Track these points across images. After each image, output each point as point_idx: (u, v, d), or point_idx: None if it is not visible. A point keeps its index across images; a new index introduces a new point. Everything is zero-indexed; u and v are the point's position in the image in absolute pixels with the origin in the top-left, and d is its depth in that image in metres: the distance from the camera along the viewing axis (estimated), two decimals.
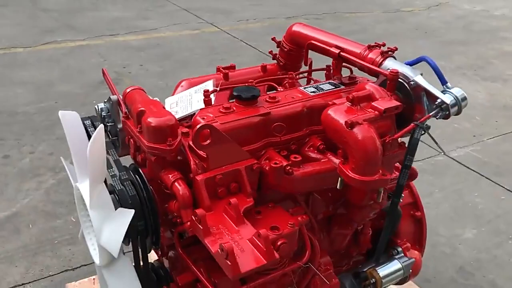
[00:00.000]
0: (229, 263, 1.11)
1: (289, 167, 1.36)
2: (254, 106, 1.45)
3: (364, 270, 1.71)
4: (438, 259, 2.70)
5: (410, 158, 1.29)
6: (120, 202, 1.35)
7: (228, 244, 1.12)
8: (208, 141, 1.29)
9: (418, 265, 1.86)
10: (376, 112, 1.29)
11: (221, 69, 1.79)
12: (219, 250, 1.13)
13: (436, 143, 1.33)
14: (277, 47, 1.86)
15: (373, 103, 1.31)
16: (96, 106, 1.63)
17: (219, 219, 1.28)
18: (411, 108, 1.41)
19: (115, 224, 1.25)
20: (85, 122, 1.58)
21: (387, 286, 1.79)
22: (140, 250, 1.40)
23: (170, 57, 5.22)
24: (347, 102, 1.34)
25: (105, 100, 1.60)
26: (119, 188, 1.37)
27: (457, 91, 1.34)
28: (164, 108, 1.38)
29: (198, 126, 1.27)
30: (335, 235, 1.70)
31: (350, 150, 1.28)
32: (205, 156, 1.31)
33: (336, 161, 1.39)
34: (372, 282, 1.68)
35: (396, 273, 1.73)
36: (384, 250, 1.81)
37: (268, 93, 1.56)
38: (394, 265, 1.74)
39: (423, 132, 1.29)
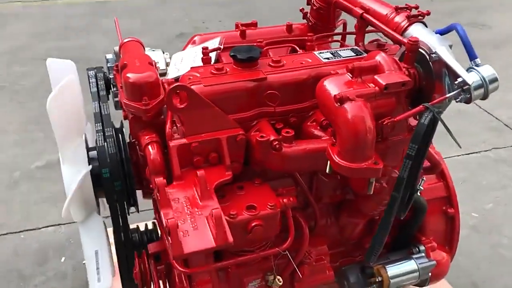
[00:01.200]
0: (170, 241, 1.00)
1: (276, 142, 1.21)
2: (251, 69, 1.29)
3: (372, 265, 1.51)
4: (494, 263, 2.38)
5: (413, 147, 1.07)
6: (99, 159, 1.29)
7: (172, 220, 1.01)
8: (185, 104, 1.17)
9: (443, 269, 1.62)
10: (376, 87, 1.07)
11: (239, 25, 1.63)
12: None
13: (450, 133, 1.08)
14: (307, 3, 1.65)
15: (375, 76, 1.09)
16: (105, 56, 1.58)
17: (186, 191, 1.16)
18: (432, 86, 1.16)
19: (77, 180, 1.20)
20: (88, 72, 1.54)
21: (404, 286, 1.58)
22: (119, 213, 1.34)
23: (250, 14, 5.08)
24: (348, 73, 1.13)
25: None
26: (101, 144, 1.31)
27: (486, 70, 1.06)
28: (150, 64, 1.27)
29: (171, 87, 1.14)
30: (345, 223, 1.52)
31: (338, 130, 1.09)
32: (182, 120, 1.20)
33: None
34: (378, 280, 1.48)
35: (409, 275, 1.52)
36: (403, 246, 1.60)
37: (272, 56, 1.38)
38: (409, 265, 1.52)
39: (433, 116, 1.05)
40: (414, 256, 1.55)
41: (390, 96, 1.09)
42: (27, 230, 2.48)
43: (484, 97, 1.07)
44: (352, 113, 1.05)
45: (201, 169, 1.17)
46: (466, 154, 3.20)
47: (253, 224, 1.18)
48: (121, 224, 1.35)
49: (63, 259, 2.29)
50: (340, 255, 1.63)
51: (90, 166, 1.20)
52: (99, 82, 1.49)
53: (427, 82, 1.17)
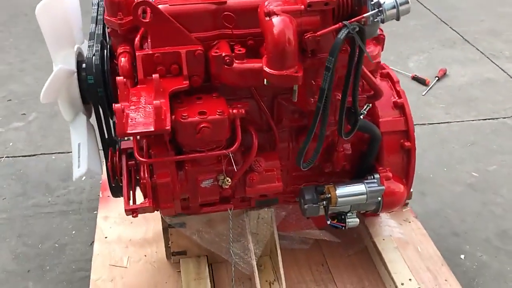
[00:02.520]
0: (116, 121, 1.23)
1: (228, 58, 1.39)
2: None
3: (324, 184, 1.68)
4: (481, 217, 2.44)
5: (331, 60, 1.21)
6: (86, 69, 1.54)
7: (118, 106, 1.24)
8: (148, 19, 1.38)
9: (398, 198, 1.75)
10: (301, 5, 1.23)
11: None
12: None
13: (365, 50, 1.21)
14: None
15: None
16: None
17: (145, 92, 1.38)
18: (361, 11, 1.29)
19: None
20: (92, 0, 1.77)
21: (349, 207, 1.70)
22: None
23: None
24: None
25: None
26: (90, 56, 1.55)
27: None
28: None
29: (136, 2, 1.36)
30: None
31: (266, 41, 1.26)
32: (149, 34, 1.41)
33: None
34: (326, 197, 1.64)
35: (357, 196, 1.66)
36: (361, 174, 1.74)
37: None
38: (357, 187, 1.67)
39: (350, 32, 1.19)
40: (366, 180, 1.69)
41: (315, 14, 1.24)
42: (58, 152, 2.84)
43: (397, 17, 1.19)
44: (275, 25, 1.21)
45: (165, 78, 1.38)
46: (482, 119, 3.19)
47: (201, 126, 1.39)
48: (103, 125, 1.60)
49: (84, 177, 2.62)
50: (304, 178, 1.79)
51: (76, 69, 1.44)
52: (99, 8, 1.73)
53: (358, 7, 1.30)
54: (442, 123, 3.15)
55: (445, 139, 3.00)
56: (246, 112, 1.45)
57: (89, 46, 1.58)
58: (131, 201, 1.50)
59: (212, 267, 1.89)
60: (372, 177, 1.71)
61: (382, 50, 1.49)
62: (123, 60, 1.43)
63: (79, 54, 1.61)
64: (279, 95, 1.59)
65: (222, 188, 1.52)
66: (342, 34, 1.20)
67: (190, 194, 1.55)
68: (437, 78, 3.57)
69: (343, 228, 1.70)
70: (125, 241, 2.00)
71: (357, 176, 1.77)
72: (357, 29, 1.21)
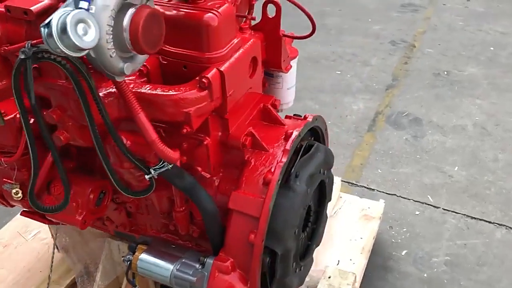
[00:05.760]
0: None
1: None
2: None
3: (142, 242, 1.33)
4: None
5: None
6: None
7: None
8: None
9: None
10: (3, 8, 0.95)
11: None
12: None
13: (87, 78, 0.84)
14: None
15: None
16: None
17: None
18: None
19: None
20: None
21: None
22: None
23: None
24: None
25: None
26: None
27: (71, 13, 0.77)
28: None
29: None
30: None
31: None
32: None
33: None
34: (129, 256, 1.30)
35: (158, 275, 1.28)
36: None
37: None
38: (164, 264, 1.28)
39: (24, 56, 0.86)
40: (190, 262, 1.27)
41: (19, 23, 0.94)
42: None
43: (56, 47, 0.79)
44: None
45: None
46: None
47: None
48: None
49: None
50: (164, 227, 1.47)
51: None
52: None
53: None
54: None
55: None
56: None
57: None
58: None
59: None
60: (204, 260, 1.28)
61: None
62: None
63: None
64: None
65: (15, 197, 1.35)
66: (19, 57, 0.88)
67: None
68: None
69: None
70: None
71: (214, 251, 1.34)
72: (31, 55, 0.86)
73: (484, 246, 2.10)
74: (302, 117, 1.45)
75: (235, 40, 1.18)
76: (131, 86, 1.07)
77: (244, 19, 1.33)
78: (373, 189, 2.42)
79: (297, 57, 1.54)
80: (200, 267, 1.27)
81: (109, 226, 1.55)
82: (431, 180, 2.45)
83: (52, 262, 1.67)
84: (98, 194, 1.32)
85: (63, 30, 0.78)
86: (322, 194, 1.55)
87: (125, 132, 1.13)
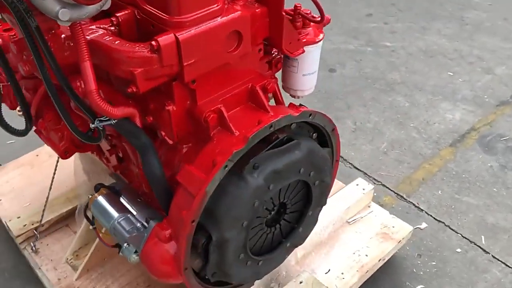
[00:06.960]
0: None
1: None
2: None
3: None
4: None
5: None
6: None
7: None
8: None
9: (156, 267, 1.27)
10: None
11: None
12: None
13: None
14: None
15: None
16: None
17: None
18: None
19: None
20: None
21: None
22: None
23: None
24: None
25: None
26: None
27: None
28: None
29: None
30: None
31: None
32: None
33: None
34: (89, 196, 1.37)
35: (104, 220, 1.31)
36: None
37: None
38: (112, 212, 1.31)
39: None
40: (128, 215, 1.29)
41: None
42: None
43: None
44: None
45: None
46: None
47: None
48: None
49: None
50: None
51: None
52: None
53: None
54: None
55: None
56: None
57: None
58: None
59: None
60: (147, 222, 1.28)
61: None
62: None
63: None
64: None
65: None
66: None
67: None
68: None
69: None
70: None
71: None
72: None
73: None
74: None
75: (213, 8, 1.10)
76: (89, 33, 1.08)
77: None
78: (422, 210, 2.15)
79: (320, 43, 1.40)
80: (141, 227, 1.28)
81: (108, 165, 1.63)
82: (496, 221, 2.10)
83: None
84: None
85: None
86: (307, 196, 1.43)
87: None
